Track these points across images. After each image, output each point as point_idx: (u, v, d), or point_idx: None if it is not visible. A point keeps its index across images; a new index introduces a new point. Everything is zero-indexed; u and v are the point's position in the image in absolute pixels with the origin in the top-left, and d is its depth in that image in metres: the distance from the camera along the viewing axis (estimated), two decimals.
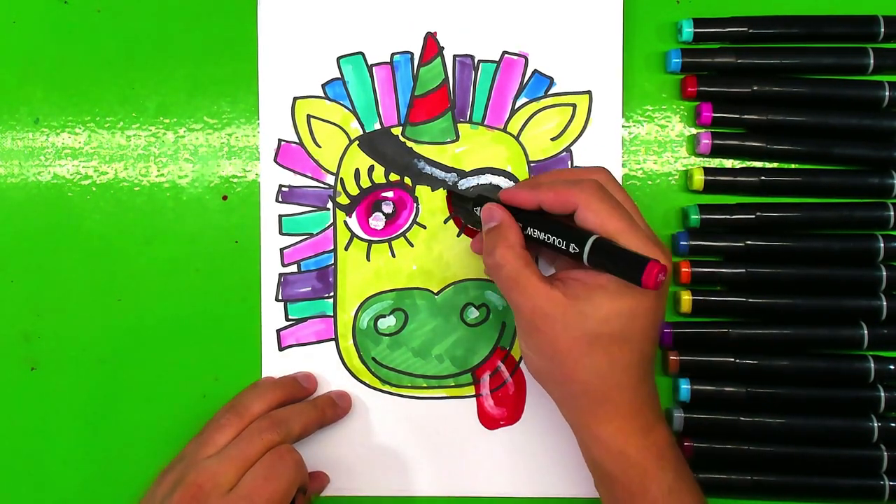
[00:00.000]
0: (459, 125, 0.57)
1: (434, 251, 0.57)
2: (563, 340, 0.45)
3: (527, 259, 0.47)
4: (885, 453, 0.54)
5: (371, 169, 0.57)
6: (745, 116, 0.55)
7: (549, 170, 0.56)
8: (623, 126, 0.57)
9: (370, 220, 0.57)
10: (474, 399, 0.57)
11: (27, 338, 0.57)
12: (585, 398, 0.47)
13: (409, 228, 0.57)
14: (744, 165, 0.57)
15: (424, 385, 0.57)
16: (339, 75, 0.57)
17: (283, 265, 0.57)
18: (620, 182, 0.56)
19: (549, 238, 0.47)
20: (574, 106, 0.57)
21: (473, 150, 0.57)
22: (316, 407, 0.54)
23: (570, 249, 0.46)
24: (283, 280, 0.57)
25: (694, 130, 0.57)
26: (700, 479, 0.54)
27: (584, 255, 0.45)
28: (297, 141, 0.57)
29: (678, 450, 0.48)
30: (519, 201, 0.49)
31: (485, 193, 0.55)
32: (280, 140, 0.57)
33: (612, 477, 0.47)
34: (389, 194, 0.57)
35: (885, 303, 0.55)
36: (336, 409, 0.55)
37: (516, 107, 0.57)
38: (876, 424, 0.54)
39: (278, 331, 0.57)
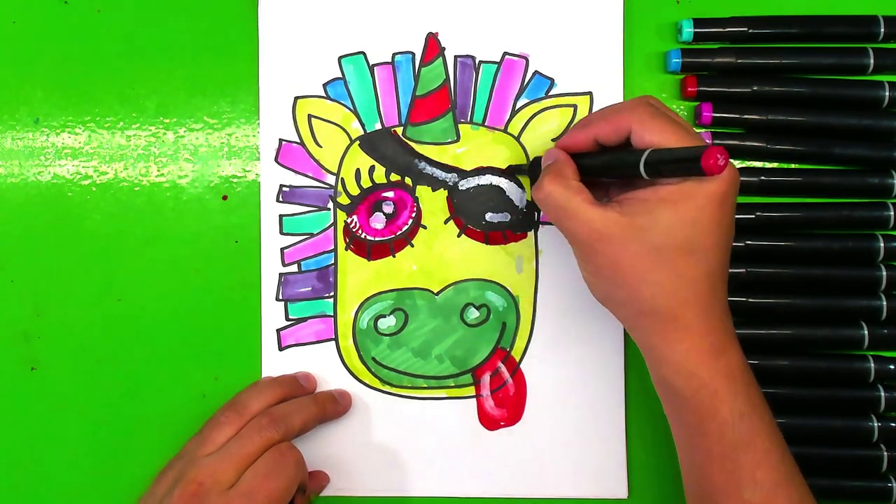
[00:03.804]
0: (460, 125, 0.57)
1: (434, 251, 0.57)
2: (625, 258, 0.44)
3: (577, 187, 0.46)
4: (886, 453, 0.54)
5: (372, 169, 0.57)
6: (745, 116, 0.56)
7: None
8: None
9: (370, 220, 0.57)
10: (474, 399, 0.57)
11: (27, 338, 0.57)
12: (653, 317, 0.45)
13: (409, 228, 0.57)
14: (744, 165, 0.57)
15: (424, 385, 0.57)
16: (340, 75, 0.57)
17: (284, 265, 0.57)
18: None
19: (608, 166, 0.46)
20: (575, 107, 0.57)
21: (474, 151, 0.57)
22: (316, 402, 0.54)
23: (630, 169, 0.44)
24: (284, 280, 0.57)
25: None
26: None
27: (641, 165, 0.44)
28: (298, 141, 0.57)
29: (751, 374, 0.46)
30: (574, 142, 0.48)
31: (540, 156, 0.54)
32: (281, 140, 0.57)
33: (682, 397, 0.45)
34: (390, 194, 0.57)
35: (885, 303, 0.55)
36: (336, 405, 0.55)
37: (517, 107, 0.57)
38: (876, 424, 0.54)
39: (278, 331, 0.57)
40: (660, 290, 0.44)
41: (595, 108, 0.56)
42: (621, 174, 0.47)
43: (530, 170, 0.55)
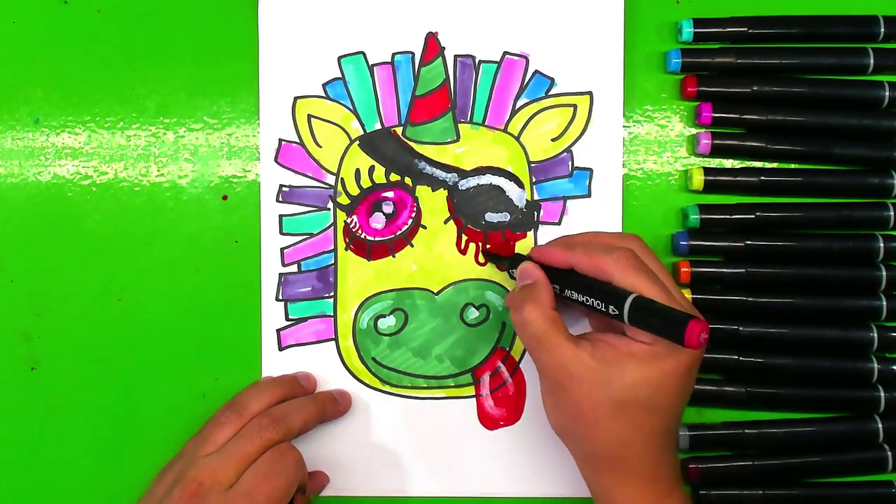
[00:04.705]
0: (460, 125, 0.57)
1: (434, 251, 0.57)
2: (587, 403, 0.45)
3: (554, 319, 0.47)
4: (889, 453, 0.54)
5: (371, 169, 0.57)
6: (745, 116, 0.56)
7: (550, 172, 0.56)
8: (623, 126, 0.57)
9: (370, 220, 0.57)
10: (474, 399, 0.57)
11: (27, 338, 0.57)
12: (605, 461, 0.47)
13: (409, 228, 0.57)
14: (744, 165, 0.57)
15: (424, 385, 0.57)
16: (339, 75, 0.57)
17: (284, 265, 0.57)
18: (620, 190, 0.56)
19: (586, 299, 0.47)
20: (575, 107, 0.57)
21: (474, 151, 0.57)
22: (316, 402, 0.54)
23: (610, 311, 0.45)
24: (284, 280, 0.57)
25: (694, 130, 0.57)
26: (709, 495, 0.54)
27: (625, 312, 0.44)
28: (298, 141, 0.57)
29: None
30: (551, 260, 0.49)
31: (521, 255, 0.54)
32: (281, 140, 0.57)
33: None
34: (390, 194, 0.57)
35: (884, 303, 0.55)
36: (337, 405, 0.55)
37: (517, 107, 0.57)
38: (880, 425, 0.55)
39: (278, 331, 0.57)
40: (615, 439, 0.46)
41: (595, 109, 0.56)
42: (600, 303, 0.46)
43: (510, 265, 0.54)
